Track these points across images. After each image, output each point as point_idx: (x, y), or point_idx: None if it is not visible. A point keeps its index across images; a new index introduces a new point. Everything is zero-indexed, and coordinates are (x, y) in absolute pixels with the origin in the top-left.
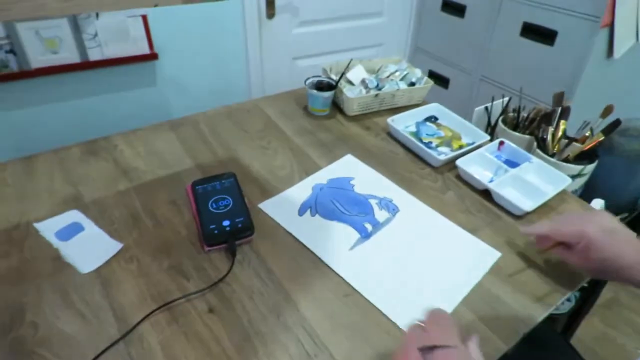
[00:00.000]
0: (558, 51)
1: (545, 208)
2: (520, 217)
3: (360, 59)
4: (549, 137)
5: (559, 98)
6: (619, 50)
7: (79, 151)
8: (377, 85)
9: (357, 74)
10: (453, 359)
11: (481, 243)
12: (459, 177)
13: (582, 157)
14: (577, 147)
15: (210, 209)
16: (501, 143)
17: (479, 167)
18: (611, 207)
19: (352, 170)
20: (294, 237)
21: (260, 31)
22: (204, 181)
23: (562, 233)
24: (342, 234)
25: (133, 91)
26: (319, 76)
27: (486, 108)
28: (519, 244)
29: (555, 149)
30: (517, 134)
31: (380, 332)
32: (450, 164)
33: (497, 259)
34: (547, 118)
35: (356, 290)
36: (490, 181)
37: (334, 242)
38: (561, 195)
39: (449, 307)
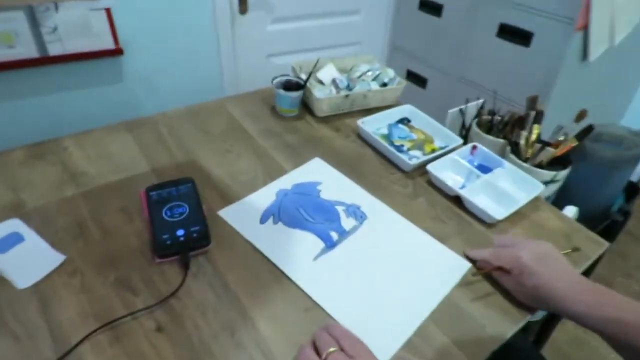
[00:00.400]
0: (534, 53)
1: (518, 216)
2: (492, 225)
3: (332, 58)
4: (523, 142)
5: (532, 101)
6: (594, 53)
7: (24, 154)
8: (348, 85)
9: (327, 73)
10: None
11: (450, 253)
12: (430, 183)
13: (556, 163)
14: (550, 152)
15: (164, 217)
16: (474, 147)
17: (451, 172)
18: (585, 214)
19: (320, 174)
20: (254, 246)
21: (232, 27)
22: (159, 187)
23: (499, 257)
24: (305, 243)
25: (98, 88)
26: (288, 75)
27: (460, 110)
28: None
29: (529, 154)
30: (491, 137)
31: None
32: (422, 169)
33: (466, 270)
34: (520, 122)
35: (317, 304)
36: (462, 187)
37: (297, 252)
38: (534, 203)
39: (414, 322)
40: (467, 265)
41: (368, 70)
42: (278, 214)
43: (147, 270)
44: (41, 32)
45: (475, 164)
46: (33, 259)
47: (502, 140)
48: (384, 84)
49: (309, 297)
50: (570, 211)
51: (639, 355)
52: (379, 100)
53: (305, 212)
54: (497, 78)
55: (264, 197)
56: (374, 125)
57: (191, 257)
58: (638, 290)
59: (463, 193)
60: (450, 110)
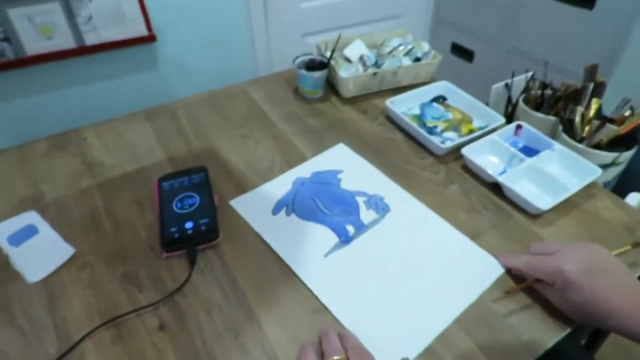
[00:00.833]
0: (598, 15)
1: (568, 205)
2: (536, 216)
3: (361, 34)
4: (578, 119)
5: (591, 71)
6: None
7: (46, 146)
8: (376, 62)
9: (355, 50)
10: None
11: (482, 253)
12: (465, 168)
13: (618, 143)
14: (612, 130)
15: (174, 208)
16: (518, 127)
17: (490, 156)
18: None
19: (342, 162)
20: (264, 241)
21: (265, 5)
22: (171, 176)
23: (537, 270)
24: (318, 237)
25: (133, 77)
26: (311, 54)
27: (506, 85)
28: None
29: (585, 133)
30: (540, 115)
31: None
32: (457, 152)
33: (500, 274)
34: (576, 96)
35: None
36: (502, 173)
37: (308, 247)
38: (588, 190)
39: (435, 328)
40: (501, 268)
41: (400, 45)
42: (292, 204)
43: (155, 265)
44: (77, 22)
45: (520, 145)
46: (45, 252)
47: (553, 118)
48: (417, 59)
49: (319, 298)
50: (635, 199)
51: None
52: (412, 77)
53: (321, 203)
54: (552, 47)
55: (280, 186)
56: (404, 105)
57: (200, 252)
58: None
59: (502, 179)
60: (495, 86)
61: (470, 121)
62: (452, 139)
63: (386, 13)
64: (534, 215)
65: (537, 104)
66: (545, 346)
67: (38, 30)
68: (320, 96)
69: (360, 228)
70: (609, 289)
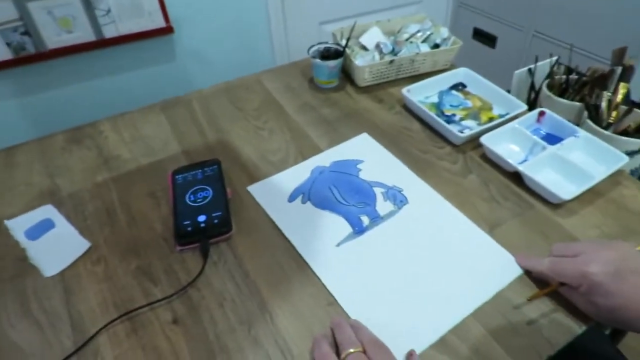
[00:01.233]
0: None
1: (592, 194)
2: (558, 205)
3: (377, 20)
4: (604, 104)
5: (619, 54)
6: None
7: (63, 139)
8: (393, 49)
9: (371, 37)
10: None
11: (501, 250)
12: (484, 157)
13: None
14: None
15: (187, 201)
16: (541, 114)
17: (511, 144)
18: None
19: (364, 152)
20: (278, 231)
21: None
22: (185, 169)
23: (560, 273)
24: (332, 226)
25: (151, 69)
26: (326, 42)
27: (529, 70)
28: (555, 240)
29: (612, 119)
30: (564, 101)
31: None
32: (476, 141)
33: (519, 274)
34: (602, 80)
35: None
36: (523, 162)
37: (321, 236)
38: (615, 178)
39: (448, 321)
40: (519, 269)
41: (418, 31)
42: (309, 192)
43: (169, 258)
44: (96, 15)
45: (543, 133)
46: (61, 246)
47: (578, 104)
48: (436, 46)
49: (328, 287)
50: None
51: None
52: (430, 64)
53: (337, 192)
54: (577, 30)
55: (299, 174)
56: (422, 94)
57: (212, 245)
58: None
59: (523, 168)
60: (517, 71)
61: (490, 109)
62: (470, 127)
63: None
64: (556, 205)
65: (562, 90)
66: (567, 339)
67: (58, 23)
68: (336, 86)
69: (376, 219)
70: (639, 292)
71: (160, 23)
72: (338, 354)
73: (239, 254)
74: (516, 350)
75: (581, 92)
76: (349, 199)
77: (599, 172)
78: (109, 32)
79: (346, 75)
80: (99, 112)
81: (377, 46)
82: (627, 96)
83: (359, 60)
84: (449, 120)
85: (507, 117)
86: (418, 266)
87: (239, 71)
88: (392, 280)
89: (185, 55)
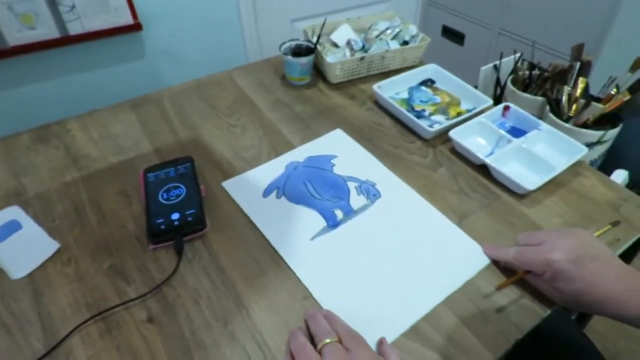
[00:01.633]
0: None
1: (555, 184)
2: (523, 196)
3: (348, 18)
4: (565, 98)
5: (577, 51)
6: None
7: (29, 138)
8: (364, 46)
9: (342, 34)
10: None
11: (470, 241)
12: (453, 151)
13: (605, 121)
14: (598, 108)
15: (160, 200)
16: (506, 108)
17: (479, 138)
18: (636, 179)
19: (338, 147)
20: (253, 226)
21: None
22: (157, 168)
23: (525, 262)
24: (307, 221)
25: (121, 66)
26: (298, 39)
27: (495, 66)
28: (521, 229)
29: (572, 112)
30: (527, 95)
31: None
32: (445, 136)
33: (486, 264)
34: (562, 76)
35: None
36: (490, 154)
37: (295, 231)
38: (575, 168)
39: (420, 309)
40: (487, 258)
41: (387, 28)
42: (283, 187)
43: (142, 257)
44: (60, 11)
45: (508, 126)
46: (29, 248)
47: (540, 98)
48: (405, 43)
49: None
50: (620, 176)
51: None
52: (400, 61)
53: (312, 187)
54: (540, 28)
55: (273, 169)
56: (392, 90)
57: (187, 242)
58: None
59: (489, 161)
60: (483, 68)
61: (458, 104)
62: (440, 122)
63: None
64: (521, 195)
65: (525, 85)
66: (533, 323)
67: (20, 19)
68: (308, 82)
69: (349, 213)
70: (600, 276)
71: (127, 20)
72: (314, 345)
73: (214, 250)
74: (486, 335)
75: (543, 87)
76: (323, 193)
77: (561, 163)
78: (74, 29)
79: (318, 72)
80: (66, 111)
81: (348, 43)
82: (585, 90)
83: (331, 57)
84: (419, 115)
85: (474, 111)
86: (390, 258)
87: (210, 69)
88: (365, 272)
89: (155, 52)
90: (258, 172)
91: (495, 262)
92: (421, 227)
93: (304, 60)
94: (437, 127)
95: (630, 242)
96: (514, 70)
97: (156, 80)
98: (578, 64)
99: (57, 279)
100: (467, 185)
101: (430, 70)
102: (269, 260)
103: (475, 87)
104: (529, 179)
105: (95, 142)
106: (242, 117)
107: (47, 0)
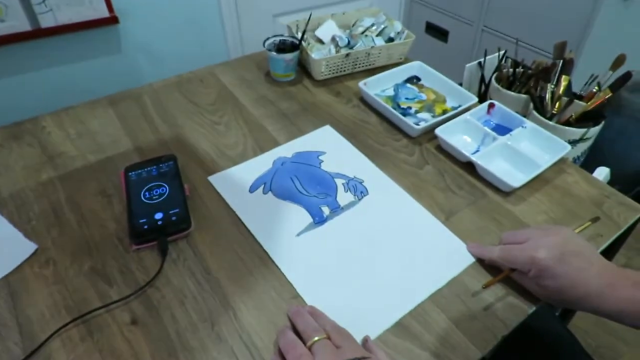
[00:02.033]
0: None
1: (539, 181)
2: (509, 193)
3: (332, 13)
4: (548, 96)
5: (560, 49)
6: None
7: (1, 136)
8: (349, 42)
9: (327, 30)
10: None
11: (455, 239)
12: (439, 149)
13: (587, 118)
14: (580, 106)
15: (143, 199)
16: (491, 105)
17: (464, 136)
18: (618, 177)
19: (326, 143)
20: (238, 225)
21: None
22: (139, 166)
23: (510, 260)
24: (293, 217)
25: (96, 61)
26: (282, 35)
27: (479, 64)
28: (506, 226)
29: (555, 110)
30: (512, 93)
31: None
32: (431, 133)
33: (472, 261)
34: (545, 73)
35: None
36: (475, 152)
37: (281, 227)
38: (559, 165)
39: (406, 305)
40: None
41: (372, 25)
42: (270, 183)
43: (124, 257)
44: (30, 2)
45: (493, 124)
46: (3, 250)
47: (524, 96)
48: (391, 39)
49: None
50: (601, 173)
51: None
52: (385, 58)
53: (299, 183)
54: (523, 25)
55: (260, 164)
56: (378, 87)
57: (171, 242)
58: None
59: (475, 158)
60: (468, 65)
61: (443, 101)
62: (426, 119)
63: None
64: (507, 192)
65: (509, 83)
66: (519, 319)
67: None
68: (292, 79)
69: (336, 210)
70: (583, 272)
71: (103, 12)
72: (302, 342)
73: (199, 250)
74: (473, 332)
75: (527, 84)
76: (310, 189)
77: (545, 160)
78: (46, 22)
79: (303, 68)
80: (40, 107)
81: (333, 39)
82: (568, 88)
83: (316, 54)
84: (405, 112)
85: (460, 109)
86: (376, 254)
87: (190, 65)
88: (350, 268)
89: (133, 47)
90: (245, 167)
91: (480, 260)
92: (408, 225)
93: (288, 56)
94: (423, 125)
95: (612, 239)
96: (498, 68)
97: (134, 76)
98: (561, 62)
99: (35, 282)
100: (453, 182)
101: (415, 67)
102: (255, 259)
103: (460, 84)
104: (514, 177)
105: (72, 139)
106: (226, 114)
107: None
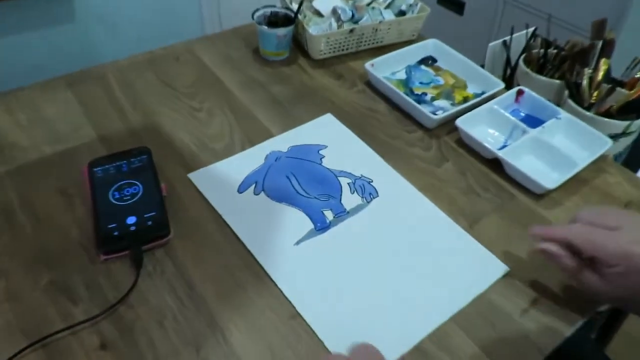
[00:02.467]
0: None
1: (576, 182)
2: (541, 196)
3: None
4: (585, 82)
5: (599, 27)
6: None
7: None
8: (353, 16)
9: (327, 1)
10: None
11: (483, 249)
12: (460, 143)
13: (630, 109)
14: (622, 94)
15: (112, 200)
16: (520, 93)
17: (489, 128)
18: None
19: (328, 135)
20: (226, 230)
21: None
22: (105, 160)
23: (597, 246)
24: (290, 222)
25: (45, 31)
26: (274, 6)
27: (504, 43)
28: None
29: (593, 98)
30: (543, 78)
31: None
32: (450, 125)
33: (501, 274)
34: (582, 56)
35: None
36: (503, 147)
37: (276, 234)
38: (598, 164)
39: (425, 327)
40: (503, 267)
41: None
42: (262, 181)
43: (91, 270)
44: None
45: (522, 114)
46: None
47: (558, 82)
48: (402, 13)
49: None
50: None
51: None
52: (396, 34)
53: (296, 182)
54: None
55: (250, 160)
56: (387, 69)
57: (146, 252)
58: None
59: (503, 154)
60: (491, 44)
61: (464, 87)
62: (444, 108)
63: None
64: (539, 195)
65: (540, 66)
66: (555, 343)
67: None
68: (286, 58)
69: (341, 214)
70: None
71: None
72: None
73: (180, 261)
74: (502, 358)
75: (561, 68)
76: (310, 190)
77: (582, 157)
78: None
79: (298, 45)
80: None
81: (334, 12)
82: (608, 73)
83: (313, 29)
84: (420, 100)
85: (484, 96)
86: (389, 268)
87: (156, 39)
88: (358, 283)
89: (88, 17)
90: (232, 162)
91: (512, 274)
92: (424, 232)
93: (281, 31)
94: (441, 115)
95: None
96: (527, 48)
97: (91, 50)
98: (600, 43)
99: None
100: (477, 183)
101: (430, 46)
102: (247, 272)
103: (482, 66)
104: (548, 176)
105: (23, 127)
106: (208, 99)
107: None
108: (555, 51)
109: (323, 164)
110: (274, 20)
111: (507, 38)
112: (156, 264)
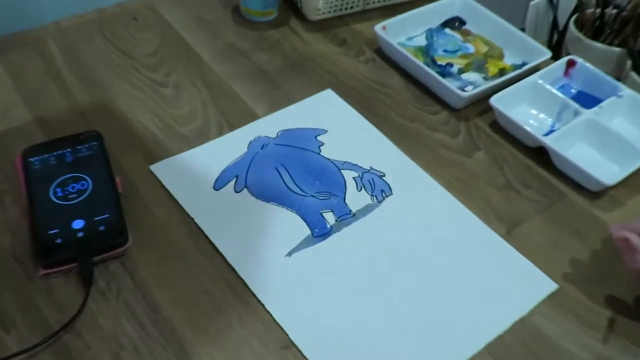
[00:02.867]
0: None
1: None
2: (598, 194)
3: None
4: None
5: None
6: None
7: None
8: None
9: None
10: None
11: (524, 261)
12: (495, 127)
13: None
14: None
15: (53, 198)
16: (570, 64)
17: (532, 108)
18: None
19: (328, 117)
20: (200, 237)
21: None
22: (44, 148)
23: None
24: (280, 227)
25: None
26: None
27: (550, 1)
28: (595, 241)
29: None
30: (599, 45)
31: None
32: (483, 104)
33: (550, 292)
34: None
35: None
36: (549, 132)
37: (266, 244)
38: None
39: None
40: (550, 284)
41: None
42: (245, 175)
43: (26, 287)
44: None
45: (574, 91)
46: None
47: (618, 50)
48: None
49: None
50: None
51: None
52: None
53: (288, 176)
54: None
55: (229, 147)
56: (403, 33)
57: (98, 264)
58: None
59: (550, 142)
60: (533, 2)
61: (500, 56)
62: (475, 83)
63: None
64: (595, 192)
65: (595, 30)
66: None
67: None
68: (274, 18)
69: (345, 217)
70: None
71: None
72: None
73: (141, 277)
74: None
75: (622, 32)
76: (305, 186)
77: None
78: None
79: (289, 2)
80: None
81: None
82: None
83: None
84: (444, 72)
85: (525, 68)
86: (406, 285)
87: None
88: (368, 305)
89: None
90: (206, 151)
91: (560, 293)
92: (450, 239)
93: None
94: (472, 91)
95: None
96: (579, 7)
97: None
98: None
99: None
100: (516, 177)
101: (457, 4)
102: (226, 290)
103: (522, 30)
104: (606, 170)
105: None
106: (175, 70)
107: None
108: (614, 11)
109: (322, 153)
110: None
111: None
112: (110, 280)
